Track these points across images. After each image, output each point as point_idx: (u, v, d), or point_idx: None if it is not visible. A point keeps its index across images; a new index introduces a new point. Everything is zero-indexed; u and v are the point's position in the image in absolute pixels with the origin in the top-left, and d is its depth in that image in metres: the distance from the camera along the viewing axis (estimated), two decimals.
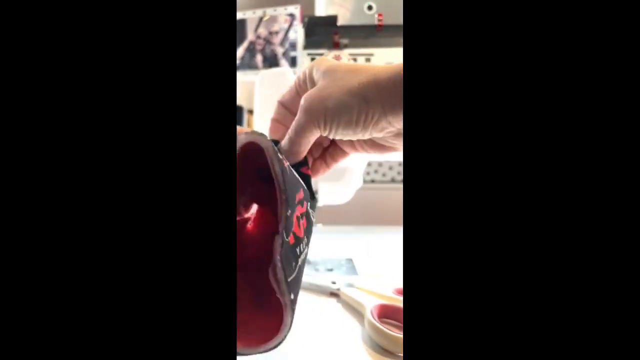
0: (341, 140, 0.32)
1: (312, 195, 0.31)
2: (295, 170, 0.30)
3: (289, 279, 0.20)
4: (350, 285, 0.46)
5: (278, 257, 0.20)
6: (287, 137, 0.28)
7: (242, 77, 1.20)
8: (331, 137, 0.27)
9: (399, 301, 0.41)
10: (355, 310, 0.42)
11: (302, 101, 0.27)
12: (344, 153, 0.32)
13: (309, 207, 0.28)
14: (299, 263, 0.23)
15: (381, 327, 0.35)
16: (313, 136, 0.27)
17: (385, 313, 0.39)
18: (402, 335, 0.34)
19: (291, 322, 0.20)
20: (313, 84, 0.28)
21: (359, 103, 0.25)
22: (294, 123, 0.27)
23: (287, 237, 0.21)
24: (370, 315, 0.37)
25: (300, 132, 0.27)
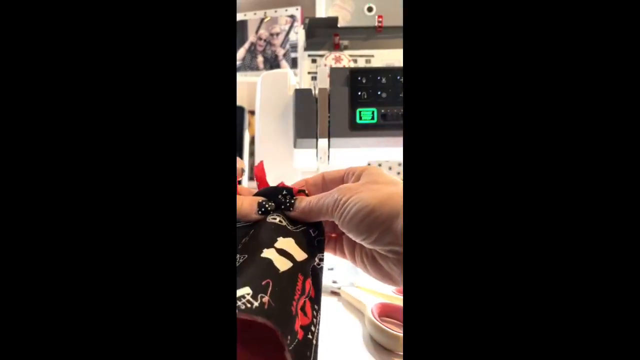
0: (347, 243, 0.32)
1: (318, 232, 0.32)
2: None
3: None
4: (351, 284, 0.46)
5: None
6: (308, 200, 0.31)
7: (244, 78, 1.20)
8: (340, 225, 0.28)
9: (399, 300, 0.41)
10: (355, 309, 0.43)
11: (348, 187, 0.29)
12: (343, 253, 0.33)
13: (316, 262, 0.30)
14: (314, 342, 0.25)
15: (382, 325, 0.35)
16: (327, 212, 0.29)
17: (385, 312, 0.39)
18: (402, 334, 0.34)
19: None
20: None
21: (376, 204, 0.26)
22: (325, 201, 0.29)
23: (293, 344, 0.23)
24: (370, 313, 0.37)
25: (318, 217, 0.30)
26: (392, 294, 0.43)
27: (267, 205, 0.31)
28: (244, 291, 0.23)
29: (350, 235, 0.28)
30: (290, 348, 0.22)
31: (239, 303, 0.22)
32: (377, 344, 0.35)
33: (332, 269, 0.53)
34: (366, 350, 0.35)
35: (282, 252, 0.27)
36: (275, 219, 0.31)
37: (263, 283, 0.24)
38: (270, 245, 0.28)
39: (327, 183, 0.33)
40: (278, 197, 0.32)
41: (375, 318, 0.37)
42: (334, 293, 0.47)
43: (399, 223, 0.25)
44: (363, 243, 0.27)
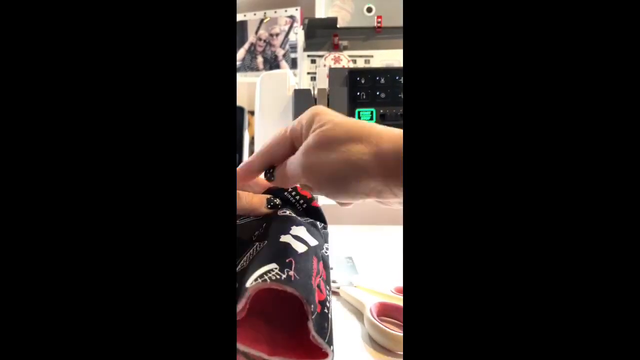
0: None
1: (324, 225, 0.36)
2: (307, 206, 0.36)
3: (326, 339, 0.26)
4: (350, 284, 0.46)
5: (313, 333, 0.25)
6: (282, 174, 0.30)
7: (243, 79, 1.20)
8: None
9: (398, 300, 0.41)
10: (355, 308, 0.43)
11: (301, 157, 0.27)
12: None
13: (324, 249, 0.33)
14: (330, 316, 0.28)
15: (381, 325, 0.35)
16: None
17: (384, 311, 0.39)
18: (401, 334, 0.34)
19: (333, 355, 0.27)
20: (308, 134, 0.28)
21: (358, 175, 0.25)
22: (292, 167, 0.28)
23: (314, 315, 0.25)
24: (370, 313, 0.37)
25: (293, 182, 0.30)
26: (391, 294, 0.43)
27: (275, 201, 0.35)
28: (271, 266, 0.26)
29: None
30: (313, 317, 0.25)
31: (269, 275, 0.25)
32: (376, 344, 0.35)
33: (331, 268, 0.53)
34: (365, 350, 0.35)
35: (297, 238, 0.31)
36: (285, 212, 0.34)
37: (287, 260, 0.27)
38: (287, 232, 0.31)
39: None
40: (284, 194, 0.36)
41: (374, 318, 0.37)
42: (333, 293, 0.47)
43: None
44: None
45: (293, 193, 0.36)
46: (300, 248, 0.29)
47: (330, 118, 0.27)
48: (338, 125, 0.26)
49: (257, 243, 0.31)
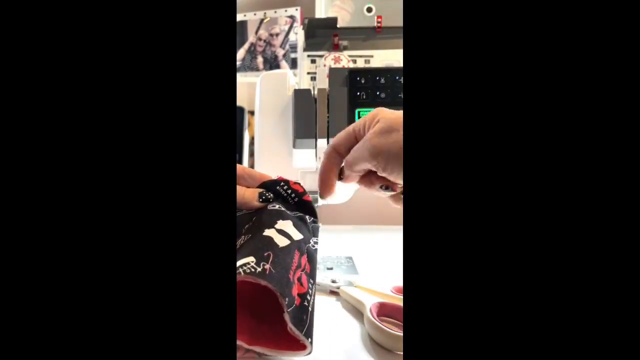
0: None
1: (314, 219, 0.36)
2: (299, 200, 0.36)
3: (303, 331, 0.27)
4: (350, 284, 0.46)
5: (290, 325, 0.26)
6: (347, 163, 0.34)
7: (243, 79, 1.20)
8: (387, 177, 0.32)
9: (398, 299, 0.41)
10: (355, 308, 0.43)
11: (369, 142, 0.32)
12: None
13: (311, 243, 0.33)
14: (310, 309, 0.28)
15: (381, 325, 0.35)
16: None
17: (384, 311, 0.39)
18: (401, 334, 0.34)
19: (311, 347, 0.28)
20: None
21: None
22: (356, 154, 0.33)
23: (291, 307, 0.26)
24: (369, 313, 0.37)
25: (358, 167, 0.33)
26: (391, 294, 0.43)
27: (266, 194, 0.35)
28: (248, 259, 0.26)
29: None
30: (289, 310, 0.26)
31: (244, 268, 0.25)
32: (376, 344, 0.35)
33: (331, 268, 0.53)
34: (365, 350, 0.35)
35: (281, 232, 0.31)
36: (275, 206, 0.34)
37: (265, 254, 0.27)
38: (271, 226, 0.31)
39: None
40: (276, 188, 0.36)
41: (375, 318, 0.37)
42: (333, 293, 0.47)
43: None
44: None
45: (285, 187, 0.36)
46: (282, 242, 0.30)
47: (391, 111, 0.33)
48: (397, 114, 0.32)
49: (243, 236, 0.31)
